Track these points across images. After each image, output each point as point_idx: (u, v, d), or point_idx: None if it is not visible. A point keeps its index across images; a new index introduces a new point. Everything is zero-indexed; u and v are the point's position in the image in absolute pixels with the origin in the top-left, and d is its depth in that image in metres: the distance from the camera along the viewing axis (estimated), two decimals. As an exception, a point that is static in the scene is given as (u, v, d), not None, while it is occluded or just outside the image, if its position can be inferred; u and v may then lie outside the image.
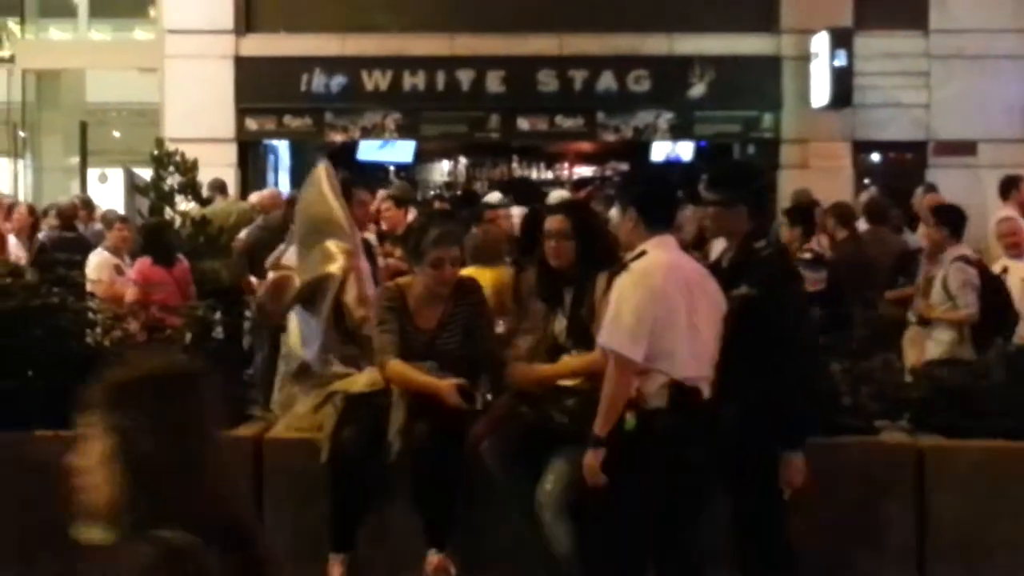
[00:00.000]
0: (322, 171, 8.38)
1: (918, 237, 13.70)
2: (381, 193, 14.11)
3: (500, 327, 8.08)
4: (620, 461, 6.28)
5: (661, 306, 6.27)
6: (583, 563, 6.66)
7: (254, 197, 16.08)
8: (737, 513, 6.72)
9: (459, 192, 22.69)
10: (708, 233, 7.09)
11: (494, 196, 15.95)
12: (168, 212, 15.57)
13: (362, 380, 7.56)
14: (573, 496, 6.71)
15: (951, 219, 11.02)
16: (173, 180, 15.91)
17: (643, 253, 6.46)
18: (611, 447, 6.28)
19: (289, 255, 9.58)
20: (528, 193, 15.65)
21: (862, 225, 14.11)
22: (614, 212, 6.93)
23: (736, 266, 6.70)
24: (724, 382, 6.40)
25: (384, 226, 13.11)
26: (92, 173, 20.69)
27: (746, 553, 6.77)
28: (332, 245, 7.95)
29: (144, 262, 12.74)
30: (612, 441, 6.27)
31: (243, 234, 13.58)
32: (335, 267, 7.93)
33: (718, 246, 8.17)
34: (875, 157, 21.53)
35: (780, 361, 6.41)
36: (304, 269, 8.23)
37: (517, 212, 13.58)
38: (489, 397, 7.31)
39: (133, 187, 18.04)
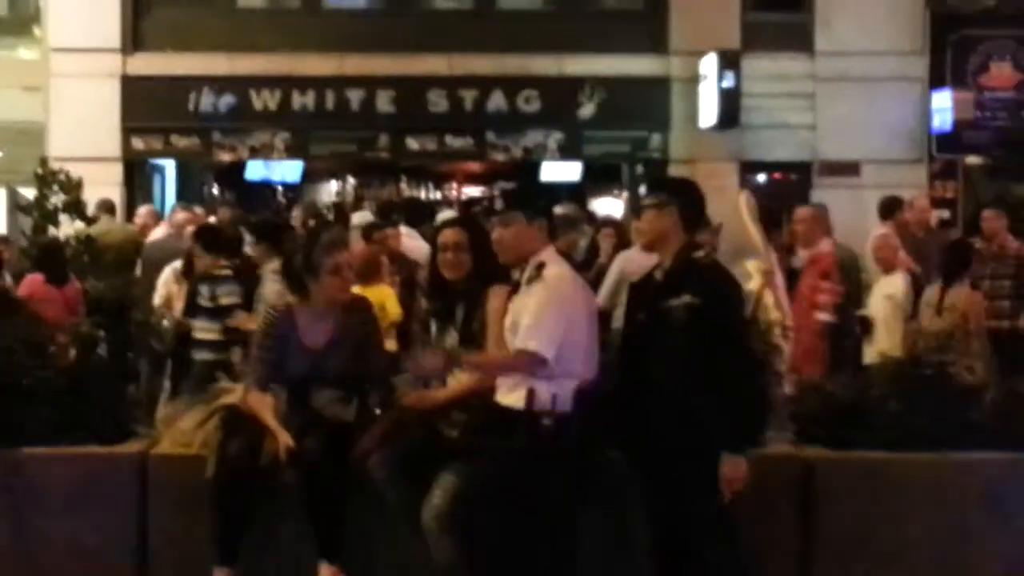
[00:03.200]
0: (742, 199, 9.36)
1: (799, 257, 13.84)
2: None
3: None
4: (538, 466, 6.45)
5: (572, 312, 6.61)
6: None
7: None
8: (681, 518, 6.71)
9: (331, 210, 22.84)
10: (640, 238, 7.18)
11: (365, 216, 15.94)
12: (52, 231, 15.34)
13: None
14: (461, 510, 6.73)
15: None
16: (57, 199, 15.67)
17: (542, 264, 6.71)
18: (529, 453, 6.53)
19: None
20: (418, 214, 15.62)
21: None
22: (512, 224, 6.94)
23: (673, 276, 6.75)
24: (673, 389, 6.54)
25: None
26: (-27, 192, 20.34)
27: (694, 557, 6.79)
28: (750, 265, 8.89)
29: (36, 279, 12.58)
30: (528, 447, 6.55)
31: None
32: (753, 284, 8.81)
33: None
34: (761, 177, 21.75)
35: (730, 366, 6.47)
36: None
37: (405, 232, 13.59)
38: (377, 411, 7.30)
39: (16, 206, 17.80)
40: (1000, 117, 21.40)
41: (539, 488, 6.51)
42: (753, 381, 6.62)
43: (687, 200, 6.95)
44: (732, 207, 9.18)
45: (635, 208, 7.08)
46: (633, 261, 12.01)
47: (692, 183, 7.24)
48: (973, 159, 21.43)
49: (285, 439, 7.03)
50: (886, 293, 12.03)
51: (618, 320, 11.54)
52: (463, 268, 7.18)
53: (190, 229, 14.43)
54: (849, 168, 20.51)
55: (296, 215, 16.24)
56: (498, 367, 6.76)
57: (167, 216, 17.36)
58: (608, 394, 6.90)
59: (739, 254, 8.79)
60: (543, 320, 6.52)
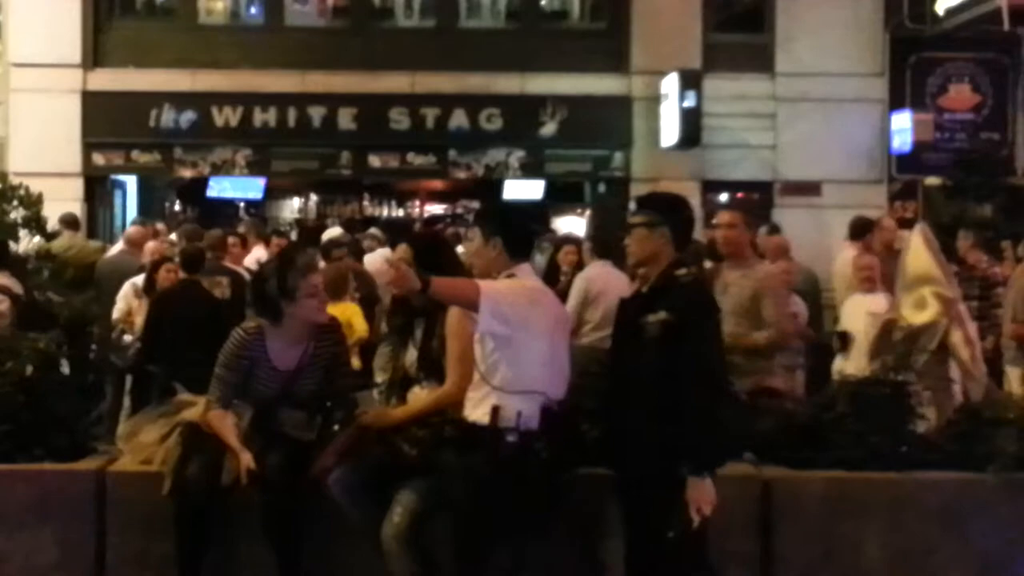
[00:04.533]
0: (918, 230, 9.69)
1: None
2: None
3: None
4: (502, 483, 6.42)
5: (534, 328, 6.54)
6: None
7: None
8: (653, 539, 6.68)
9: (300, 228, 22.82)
10: (630, 258, 7.14)
11: (335, 231, 15.94)
12: (11, 246, 15.25)
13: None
14: (421, 528, 6.74)
15: None
16: (17, 214, 15.60)
17: (511, 276, 6.68)
18: (492, 469, 6.46)
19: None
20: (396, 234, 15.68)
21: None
22: (474, 240, 6.95)
23: (655, 291, 6.74)
24: (646, 406, 6.50)
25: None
26: (-68, 207, 20.23)
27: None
28: (928, 294, 9.24)
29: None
30: (492, 464, 6.46)
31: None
32: (929, 313, 9.21)
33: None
34: (723, 197, 21.82)
35: (692, 385, 6.43)
36: (906, 315, 9.57)
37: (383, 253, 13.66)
38: (336, 428, 7.27)
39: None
40: (959, 138, 21.60)
41: (502, 506, 6.47)
42: (709, 403, 6.46)
43: (679, 219, 6.91)
44: (913, 240, 9.53)
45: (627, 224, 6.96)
46: (594, 280, 12.04)
47: (682, 200, 7.16)
48: (932, 180, 21.55)
49: (247, 459, 6.98)
50: (870, 310, 12.03)
51: (585, 337, 11.59)
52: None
53: (150, 244, 14.43)
54: (810, 188, 20.61)
55: (242, 231, 16.09)
56: (449, 287, 6.52)
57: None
58: (576, 411, 6.93)
59: (919, 283, 9.17)
60: (497, 284, 6.56)
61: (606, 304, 11.35)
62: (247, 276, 12.68)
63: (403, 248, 7.42)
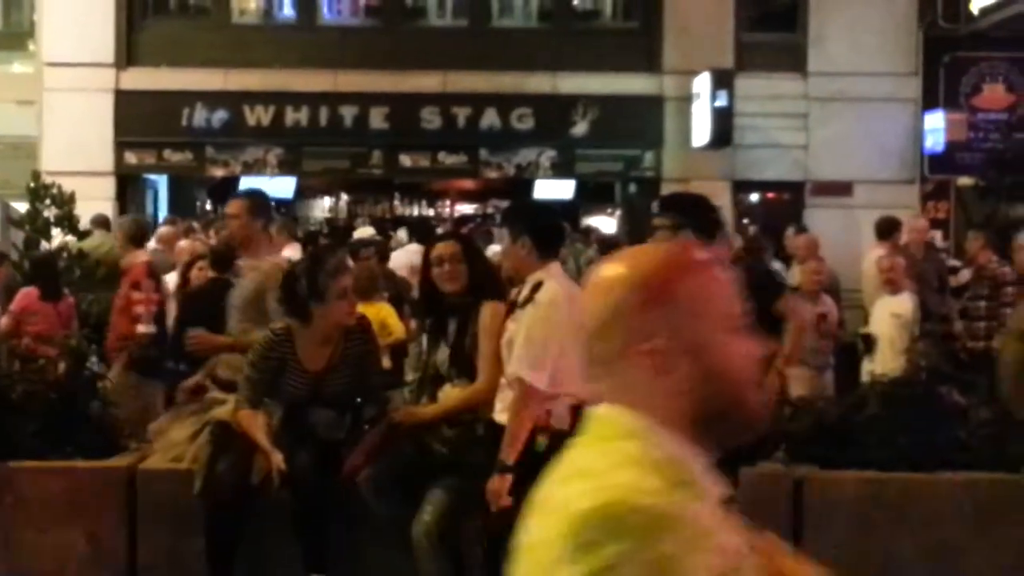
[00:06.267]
0: None
1: (793, 275, 13.88)
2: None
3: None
4: (532, 482, 6.32)
5: (567, 334, 6.37)
6: None
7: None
8: None
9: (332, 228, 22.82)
10: None
11: (367, 230, 15.95)
12: (44, 245, 15.31)
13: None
14: (452, 527, 6.73)
15: None
16: (50, 213, 15.64)
17: (539, 284, 6.53)
18: (523, 469, 6.34)
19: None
20: (428, 232, 15.63)
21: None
22: (502, 240, 6.93)
23: None
24: None
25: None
26: (-34, 206, 20.33)
27: None
28: None
29: (30, 293, 12.57)
30: (523, 463, 6.36)
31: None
32: None
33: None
34: (754, 197, 21.76)
35: None
36: None
37: (415, 249, 13.64)
38: (367, 426, 7.27)
39: (8, 219, 17.77)
40: (992, 138, 21.48)
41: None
42: None
43: (702, 220, 6.88)
44: None
45: (633, 223, 6.91)
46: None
47: (704, 200, 7.12)
48: (965, 180, 21.46)
49: (278, 460, 6.96)
50: (894, 311, 12.04)
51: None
52: (459, 280, 7.15)
53: (182, 243, 14.46)
54: (841, 188, 20.53)
55: (273, 231, 16.15)
56: (514, 427, 6.47)
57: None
58: None
59: None
60: (532, 347, 6.44)
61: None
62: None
63: (450, 244, 7.30)
